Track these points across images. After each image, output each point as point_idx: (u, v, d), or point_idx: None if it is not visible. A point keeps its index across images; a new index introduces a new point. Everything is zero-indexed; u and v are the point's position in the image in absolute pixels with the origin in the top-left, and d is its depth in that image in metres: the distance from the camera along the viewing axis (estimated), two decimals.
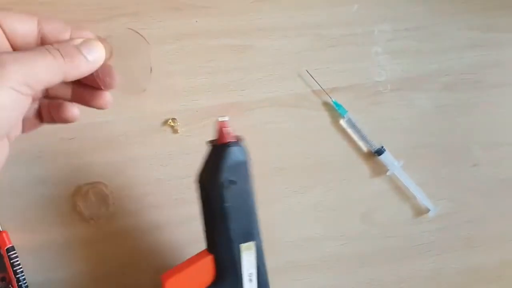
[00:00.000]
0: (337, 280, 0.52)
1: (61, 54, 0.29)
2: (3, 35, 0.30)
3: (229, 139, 0.40)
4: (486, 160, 0.56)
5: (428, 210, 0.53)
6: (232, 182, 0.39)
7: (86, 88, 0.35)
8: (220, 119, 0.39)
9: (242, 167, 0.40)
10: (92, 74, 0.30)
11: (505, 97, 0.57)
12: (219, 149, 0.40)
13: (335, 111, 0.53)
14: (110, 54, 0.31)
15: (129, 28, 0.31)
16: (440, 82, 0.56)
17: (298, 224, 0.52)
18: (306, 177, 0.52)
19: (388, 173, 0.53)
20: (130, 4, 0.51)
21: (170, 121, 0.50)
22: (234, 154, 0.40)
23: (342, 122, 0.53)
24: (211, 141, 0.41)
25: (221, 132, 0.40)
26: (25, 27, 0.31)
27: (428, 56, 0.56)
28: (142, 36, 0.31)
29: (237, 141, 0.40)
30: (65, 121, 0.36)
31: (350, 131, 0.53)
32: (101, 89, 0.33)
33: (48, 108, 0.36)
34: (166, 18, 0.52)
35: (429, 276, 0.53)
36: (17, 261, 0.45)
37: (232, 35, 0.53)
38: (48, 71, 0.28)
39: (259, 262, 0.40)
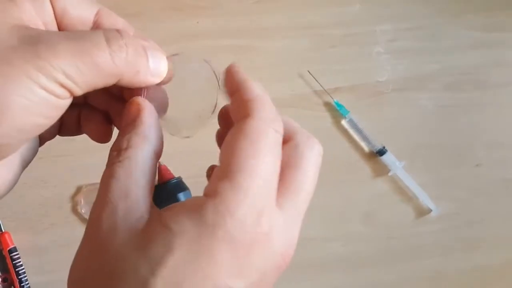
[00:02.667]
0: (339, 281, 0.52)
1: (126, 46, 0.21)
2: (52, 14, 0.22)
3: (166, 178, 0.46)
4: (489, 160, 0.55)
5: (430, 211, 0.53)
6: None
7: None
8: (161, 163, 0.46)
9: (178, 201, 0.45)
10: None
11: (508, 97, 0.57)
12: (157, 188, 0.43)
13: (336, 111, 0.53)
14: (169, 76, 0.24)
15: (204, 59, 0.26)
16: (442, 82, 0.56)
17: None
18: None
19: (390, 174, 0.53)
20: (131, 5, 0.52)
21: None
22: (169, 189, 0.46)
23: (344, 122, 0.53)
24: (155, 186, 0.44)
25: (160, 173, 0.46)
26: (80, 13, 0.23)
27: (430, 56, 0.56)
28: (215, 73, 0.26)
29: (174, 179, 0.46)
30: (98, 138, 0.27)
31: (351, 131, 0.53)
32: None
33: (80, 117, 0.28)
34: (167, 18, 0.52)
35: (431, 276, 0.53)
36: (19, 261, 0.46)
37: (233, 35, 0.53)
38: (99, 71, 0.20)
39: None
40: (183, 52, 0.24)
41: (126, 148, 0.21)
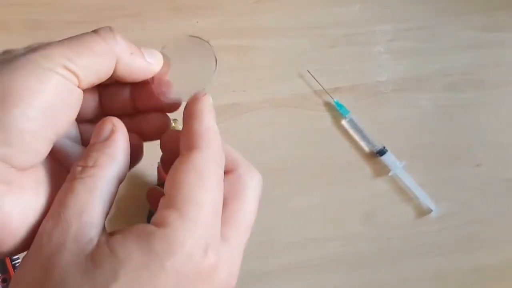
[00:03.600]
0: (339, 281, 0.52)
1: (114, 37, 0.22)
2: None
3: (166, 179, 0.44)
4: (489, 160, 0.55)
5: (430, 211, 0.53)
6: None
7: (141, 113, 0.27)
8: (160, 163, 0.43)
9: None
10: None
11: (507, 96, 0.57)
12: None
13: (336, 111, 0.53)
14: (168, 67, 0.26)
15: (190, 35, 0.27)
16: (442, 82, 0.56)
17: (299, 225, 0.51)
18: (308, 177, 0.52)
19: (390, 174, 0.53)
20: (132, 5, 0.52)
21: (171, 122, 0.50)
22: None
23: (344, 122, 0.53)
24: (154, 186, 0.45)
25: (159, 174, 0.45)
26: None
27: (430, 56, 0.56)
28: (200, 38, 0.27)
29: None
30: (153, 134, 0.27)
31: (352, 131, 0.53)
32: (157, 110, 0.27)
33: None
34: (167, 19, 0.52)
35: (431, 277, 0.53)
36: (18, 262, 0.45)
37: (233, 35, 0.53)
38: (98, 56, 0.22)
39: None
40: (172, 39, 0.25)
41: (92, 166, 0.20)
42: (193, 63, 0.27)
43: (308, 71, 0.52)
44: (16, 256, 0.45)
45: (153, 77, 0.25)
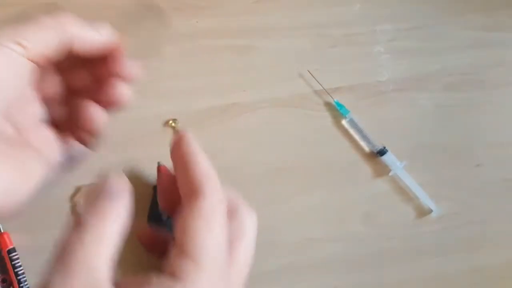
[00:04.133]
0: (339, 281, 0.52)
1: (61, 14, 0.26)
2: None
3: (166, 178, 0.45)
4: (490, 160, 0.55)
5: (431, 211, 0.53)
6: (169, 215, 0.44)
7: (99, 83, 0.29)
8: (160, 163, 0.46)
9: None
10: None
11: (508, 96, 0.57)
12: (157, 189, 0.46)
13: (337, 111, 0.53)
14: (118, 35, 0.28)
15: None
16: (443, 82, 0.56)
17: (300, 225, 0.51)
18: (308, 177, 0.52)
19: (390, 174, 0.53)
20: (131, 5, 0.52)
21: (171, 122, 0.50)
22: None
23: (344, 122, 0.53)
24: (154, 186, 0.46)
25: (159, 174, 0.45)
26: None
27: (431, 56, 0.56)
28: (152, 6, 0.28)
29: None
30: (114, 105, 0.29)
31: (352, 131, 0.53)
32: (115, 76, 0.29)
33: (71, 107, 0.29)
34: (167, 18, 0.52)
35: (431, 277, 0.53)
36: (18, 262, 0.45)
37: (233, 35, 0.53)
38: (44, 28, 0.25)
39: None
40: None
41: (103, 219, 0.20)
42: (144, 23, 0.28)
43: (308, 71, 0.52)
44: (16, 256, 0.45)
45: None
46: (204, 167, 0.22)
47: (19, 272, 0.45)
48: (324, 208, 0.52)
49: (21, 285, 0.45)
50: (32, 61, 0.24)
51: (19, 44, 0.24)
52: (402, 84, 0.55)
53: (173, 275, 0.19)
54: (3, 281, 0.46)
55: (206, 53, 0.52)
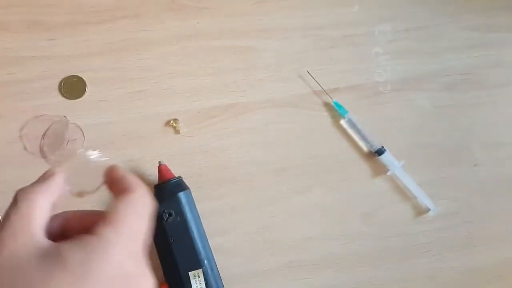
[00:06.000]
0: (338, 280, 0.52)
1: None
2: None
3: (167, 178, 0.46)
4: (487, 160, 0.56)
5: (428, 210, 0.53)
6: (170, 214, 0.45)
7: None
8: (161, 162, 0.47)
9: (178, 200, 0.46)
10: None
11: (505, 97, 0.57)
12: (158, 188, 0.47)
13: (335, 111, 0.53)
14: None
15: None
16: (441, 82, 0.56)
17: (298, 224, 0.52)
18: (307, 177, 0.52)
19: (388, 173, 0.53)
20: (131, 6, 0.52)
21: (172, 121, 0.51)
22: (169, 188, 0.46)
23: (343, 122, 0.53)
24: (155, 185, 0.47)
25: (160, 173, 0.47)
26: None
27: (429, 56, 0.56)
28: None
29: (174, 178, 0.47)
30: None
31: (350, 131, 0.53)
32: None
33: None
34: (167, 19, 0.52)
35: (429, 275, 0.53)
36: None
37: (233, 36, 0.53)
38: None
39: (210, 285, 0.45)
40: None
41: (31, 193, 0.26)
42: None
43: (308, 72, 0.53)
44: None
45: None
46: (131, 177, 0.28)
47: None
48: (323, 208, 0.53)
49: None
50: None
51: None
52: (400, 85, 0.55)
53: (95, 234, 0.24)
54: None
55: (206, 53, 0.52)
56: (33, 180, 0.28)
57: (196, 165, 0.51)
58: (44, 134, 0.48)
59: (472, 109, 0.56)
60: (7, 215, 0.25)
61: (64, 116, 0.49)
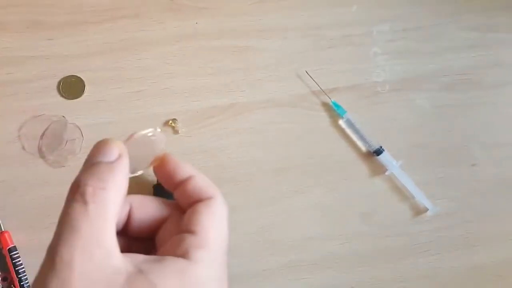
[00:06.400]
0: (337, 279, 0.52)
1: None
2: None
3: None
4: (485, 160, 0.56)
5: (427, 210, 0.54)
6: None
7: None
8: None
9: None
10: None
11: (504, 97, 0.57)
12: (157, 188, 0.47)
13: (334, 111, 0.53)
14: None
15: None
16: (439, 82, 0.56)
17: (298, 224, 0.52)
18: (306, 177, 0.53)
19: (387, 173, 0.53)
20: (131, 6, 0.52)
21: (170, 121, 0.51)
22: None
23: (341, 122, 0.53)
24: (154, 185, 0.47)
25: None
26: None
27: (427, 56, 0.56)
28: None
29: None
30: None
31: (349, 131, 0.53)
32: None
33: None
34: (167, 19, 0.52)
35: (428, 275, 0.54)
36: (19, 261, 0.46)
37: (232, 36, 0.53)
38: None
39: None
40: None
41: (103, 189, 0.20)
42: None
43: (306, 72, 0.53)
44: (17, 255, 0.46)
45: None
46: (205, 177, 0.26)
47: (20, 271, 0.45)
48: (322, 207, 0.53)
49: (22, 283, 0.45)
50: None
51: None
52: (399, 85, 0.55)
53: (191, 259, 0.21)
54: (4, 279, 0.46)
55: (206, 53, 0.52)
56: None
57: (195, 165, 0.50)
58: (42, 134, 0.48)
59: (471, 109, 0.56)
60: (73, 220, 0.19)
61: (63, 116, 0.49)
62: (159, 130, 0.28)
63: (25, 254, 0.46)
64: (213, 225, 0.23)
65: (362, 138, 0.53)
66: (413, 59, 0.56)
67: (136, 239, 0.25)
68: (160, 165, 0.26)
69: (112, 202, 0.20)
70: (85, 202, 0.19)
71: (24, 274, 0.46)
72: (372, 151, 0.53)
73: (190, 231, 0.22)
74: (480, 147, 0.56)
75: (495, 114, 0.57)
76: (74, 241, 0.19)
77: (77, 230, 0.19)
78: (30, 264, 0.46)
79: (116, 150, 0.22)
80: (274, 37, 0.54)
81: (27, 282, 0.46)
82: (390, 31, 0.56)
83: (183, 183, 0.25)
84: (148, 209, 0.25)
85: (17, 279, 0.45)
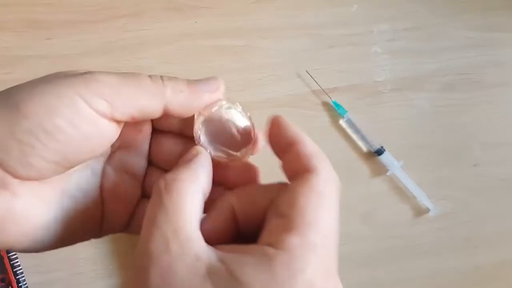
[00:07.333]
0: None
1: (162, 79, 0.22)
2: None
3: None
4: (486, 160, 0.56)
5: (428, 210, 0.53)
6: None
7: None
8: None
9: None
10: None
11: (504, 96, 0.57)
12: None
13: (334, 111, 0.53)
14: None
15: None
16: (440, 82, 0.56)
17: None
18: None
19: (388, 173, 0.53)
20: (130, 5, 0.52)
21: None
22: None
23: (342, 122, 0.53)
24: None
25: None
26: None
27: (428, 56, 0.56)
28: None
29: None
30: None
31: (349, 131, 0.53)
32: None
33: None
34: (166, 18, 0.52)
35: (429, 276, 0.53)
36: (17, 262, 0.45)
37: (231, 35, 0.53)
38: (142, 90, 0.21)
39: None
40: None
41: (175, 180, 0.20)
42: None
43: (307, 71, 0.53)
44: (15, 256, 0.45)
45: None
46: (314, 145, 0.22)
47: (18, 272, 0.45)
48: None
49: (20, 284, 0.45)
50: (116, 120, 0.22)
51: (108, 103, 0.21)
52: (399, 84, 0.55)
53: (276, 247, 0.18)
54: (2, 280, 0.46)
55: (205, 53, 0.52)
56: None
57: None
58: None
59: (472, 109, 0.56)
60: (151, 214, 0.19)
61: None
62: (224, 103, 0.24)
63: (23, 255, 0.46)
64: (310, 205, 0.19)
65: (363, 138, 0.53)
66: (414, 58, 0.56)
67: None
68: (269, 128, 0.23)
69: (188, 191, 0.20)
70: (159, 194, 0.19)
71: (22, 275, 0.45)
72: (373, 151, 0.53)
73: (279, 214, 0.20)
74: (481, 147, 0.56)
75: (496, 114, 0.57)
76: (152, 234, 0.18)
77: (155, 223, 0.19)
78: (28, 266, 0.46)
79: (192, 152, 0.22)
80: (274, 36, 0.53)
81: (25, 284, 0.46)
82: (391, 31, 0.56)
83: (287, 150, 0.22)
84: (252, 200, 0.22)
85: (15, 280, 0.45)
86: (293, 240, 0.18)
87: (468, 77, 0.56)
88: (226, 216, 0.22)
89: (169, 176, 0.20)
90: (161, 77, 0.22)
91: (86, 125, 0.20)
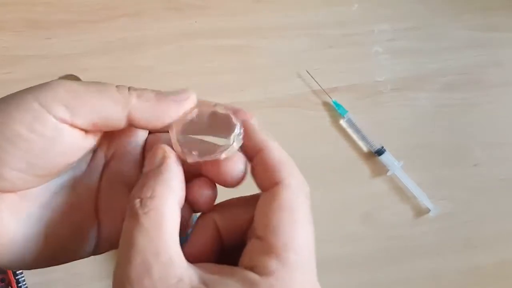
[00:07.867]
0: (338, 280, 0.52)
1: (128, 88, 0.22)
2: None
3: None
4: (487, 160, 0.56)
5: (428, 210, 0.53)
6: None
7: None
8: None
9: None
10: None
11: (505, 96, 0.57)
12: None
13: (335, 111, 0.53)
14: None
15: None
16: (440, 82, 0.56)
17: None
18: (306, 177, 0.51)
19: (388, 174, 0.53)
20: (130, 5, 0.52)
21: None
22: None
23: (342, 122, 0.53)
24: None
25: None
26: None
27: (428, 56, 0.56)
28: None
29: None
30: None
31: (350, 131, 0.53)
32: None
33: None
34: (166, 18, 0.52)
35: (429, 276, 0.53)
36: None
37: (231, 35, 0.53)
38: (106, 99, 0.21)
39: None
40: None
41: (151, 197, 0.19)
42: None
43: (307, 71, 0.53)
44: None
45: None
46: (282, 152, 0.21)
47: (18, 272, 0.45)
48: (322, 208, 0.52)
49: (20, 284, 0.45)
50: (78, 127, 0.21)
51: (72, 113, 0.20)
52: (400, 84, 0.55)
53: (259, 273, 0.18)
54: (2, 280, 0.46)
55: (204, 52, 0.52)
56: None
57: None
58: None
59: (472, 109, 0.56)
60: (130, 238, 0.18)
61: None
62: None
63: None
64: (283, 224, 0.19)
65: (363, 138, 0.53)
66: (414, 58, 0.56)
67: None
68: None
69: (166, 207, 0.19)
70: (136, 215, 0.18)
71: (22, 275, 0.45)
72: (373, 151, 0.53)
73: (256, 235, 0.19)
74: (482, 147, 0.56)
75: (496, 114, 0.57)
76: (131, 257, 0.18)
77: (133, 246, 0.18)
78: None
79: (159, 154, 0.21)
80: (274, 36, 0.53)
81: (25, 284, 0.45)
82: (391, 30, 0.56)
83: (254, 157, 0.21)
84: (234, 215, 0.21)
85: (15, 280, 0.45)
86: (274, 264, 0.18)
87: (469, 77, 0.56)
88: (210, 233, 0.21)
89: (143, 193, 0.19)
90: (129, 87, 0.22)
91: (48, 131, 0.20)
